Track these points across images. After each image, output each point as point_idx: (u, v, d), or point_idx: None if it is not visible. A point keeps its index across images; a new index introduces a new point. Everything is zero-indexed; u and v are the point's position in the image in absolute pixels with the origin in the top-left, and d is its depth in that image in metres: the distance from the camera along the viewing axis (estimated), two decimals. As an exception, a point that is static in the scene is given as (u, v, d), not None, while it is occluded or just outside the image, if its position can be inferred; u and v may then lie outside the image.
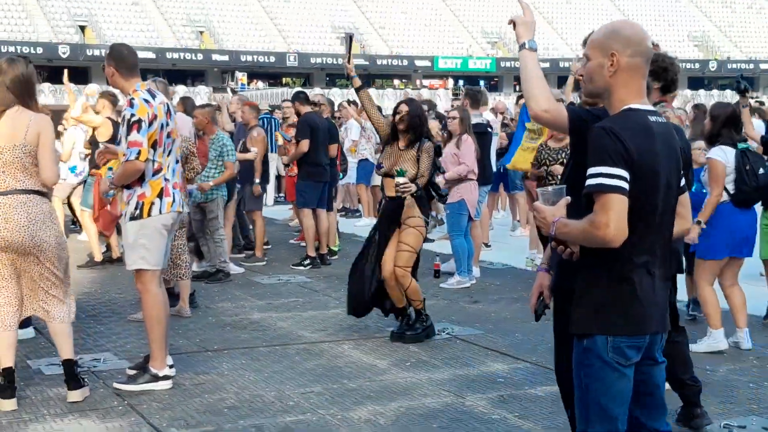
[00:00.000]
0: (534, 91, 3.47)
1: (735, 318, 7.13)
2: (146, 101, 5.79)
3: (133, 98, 5.78)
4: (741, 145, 6.89)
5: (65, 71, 13.18)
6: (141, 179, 5.83)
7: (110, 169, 8.73)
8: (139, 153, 5.70)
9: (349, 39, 7.98)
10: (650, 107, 3.27)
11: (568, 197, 3.31)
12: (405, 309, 7.38)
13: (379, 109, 17.14)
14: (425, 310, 7.39)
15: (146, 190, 5.84)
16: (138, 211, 5.83)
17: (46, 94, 42.34)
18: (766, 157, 7.40)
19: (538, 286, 4.20)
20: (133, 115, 5.72)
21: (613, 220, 3.06)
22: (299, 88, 29.41)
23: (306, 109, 11.03)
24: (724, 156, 6.80)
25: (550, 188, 3.40)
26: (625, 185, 3.08)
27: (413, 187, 7.24)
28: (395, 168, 7.31)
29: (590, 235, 3.12)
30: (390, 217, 7.35)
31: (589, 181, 3.10)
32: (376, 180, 14.62)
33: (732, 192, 6.88)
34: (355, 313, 7.50)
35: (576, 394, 3.33)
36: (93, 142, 10.66)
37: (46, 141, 5.49)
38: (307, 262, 10.86)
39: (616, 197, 3.07)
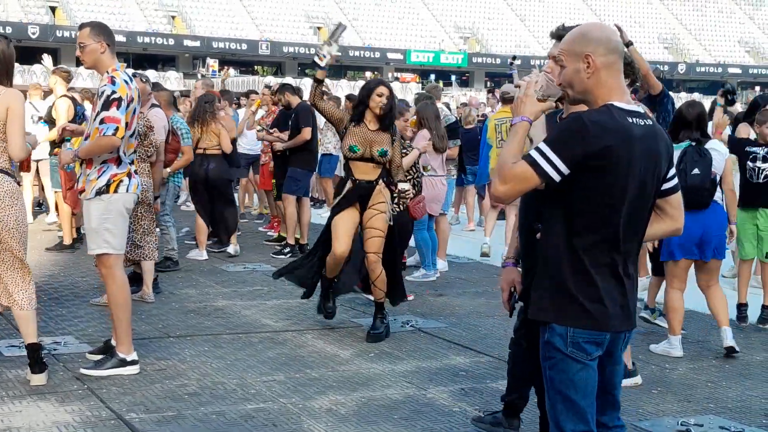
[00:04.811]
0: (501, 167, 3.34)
1: (716, 318, 7.04)
2: (126, 82, 5.82)
3: (114, 77, 5.79)
4: (683, 144, 6.82)
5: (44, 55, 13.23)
6: (119, 161, 5.85)
7: (68, 140, 8.56)
8: (116, 129, 5.70)
9: (342, 28, 7.67)
10: (633, 107, 3.27)
11: (553, 103, 3.42)
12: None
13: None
14: (385, 309, 7.22)
15: (119, 171, 5.86)
16: (105, 187, 5.81)
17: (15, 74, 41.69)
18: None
19: (509, 282, 4.15)
20: (114, 92, 5.73)
21: (511, 184, 3.19)
22: (271, 77, 29.15)
23: (297, 99, 11.05)
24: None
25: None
26: (554, 176, 3.14)
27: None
28: (375, 149, 7.02)
29: (495, 173, 3.24)
30: (362, 197, 7.07)
31: (533, 153, 3.17)
32: (337, 170, 14.60)
33: None
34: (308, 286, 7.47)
35: (545, 389, 3.36)
36: (51, 121, 10.60)
37: (14, 115, 5.39)
38: (287, 250, 10.78)
39: (532, 175, 3.15)
